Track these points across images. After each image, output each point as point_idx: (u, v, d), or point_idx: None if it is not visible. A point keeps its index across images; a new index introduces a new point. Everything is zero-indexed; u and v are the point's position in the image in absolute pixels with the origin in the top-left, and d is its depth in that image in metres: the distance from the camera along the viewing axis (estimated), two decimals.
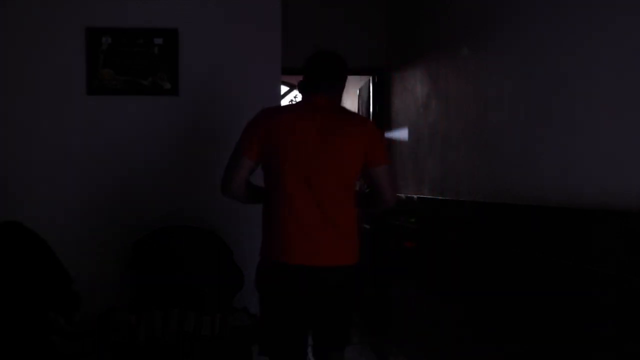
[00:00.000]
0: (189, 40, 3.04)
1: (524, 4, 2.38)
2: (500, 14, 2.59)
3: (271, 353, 2.20)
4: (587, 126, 1.94)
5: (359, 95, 5.03)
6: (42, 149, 2.98)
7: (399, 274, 3.95)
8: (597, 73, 1.89)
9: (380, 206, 2.28)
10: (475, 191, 2.82)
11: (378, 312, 4.25)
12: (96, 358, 2.59)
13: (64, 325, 2.42)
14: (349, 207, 2.17)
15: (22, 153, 2.97)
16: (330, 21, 4.34)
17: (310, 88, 2.22)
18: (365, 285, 4.02)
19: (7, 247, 2.42)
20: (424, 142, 3.60)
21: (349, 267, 2.14)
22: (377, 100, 4.52)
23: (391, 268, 4.05)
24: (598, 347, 1.80)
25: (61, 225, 2.89)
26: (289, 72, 3.94)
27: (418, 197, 3.62)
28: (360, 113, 4.98)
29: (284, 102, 7.38)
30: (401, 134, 4.10)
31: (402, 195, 3.84)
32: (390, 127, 4.37)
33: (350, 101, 5.37)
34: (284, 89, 7.26)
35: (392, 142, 4.29)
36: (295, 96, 7.78)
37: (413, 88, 3.82)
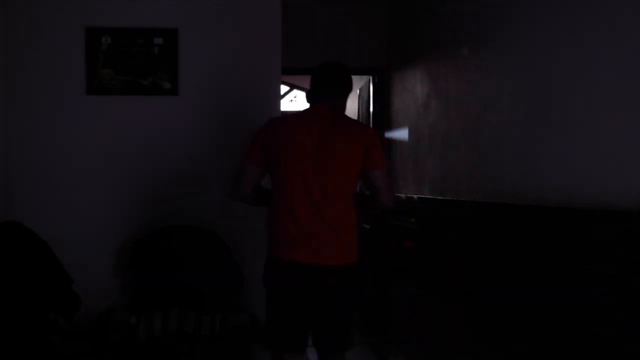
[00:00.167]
0: (189, 40, 3.04)
1: (524, 4, 2.38)
2: (500, 14, 2.59)
3: (272, 346, 2.31)
4: (587, 126, 1.94)
5: (359, 95, 5.03)
6: (42, 149, 2.98)
7: (399, 274, 3.95)
8: (597, 73, 1.88)
9: (378, 207, 2.43)
10: (475, 191, 2.82)
11: (378, 312, 4.25)
12: (96, 358, 2.59)
13: (64, 325, 2.42)
14: (348, 208, 2.28)
15: (22, 153, 2.97)
16: (330, 21, 4.34)
17: (314, 97, 2.38)
18: (366, 285, 4.02)
19: (7, 247, 2.43)
20: (424, 142, 3.60)
21: (347, 266, 2.25)
22: (377, 100, 4.52)
23: (391, 268, 4.05)
24: (598, 347, 1.80)
25: (61, 225, 2.89)
26: (289, 72, 3.95)
27: (418, 197, 3.62)
28: (360, 113, 4.98)
29: (284, 102, 7.38)
30: (401, 134, 4.10)
31: (402, 195, 3.84)
32: (390, 127, 4.37)
33: (350, 101, 5.33)
34: (284, 89, 7.25)
35: (392, 142, 4.29)
36: (295, 96, 7.78)
37: (413, 88, 3.82)
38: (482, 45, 2.78)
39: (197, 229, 2.90)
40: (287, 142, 2.24)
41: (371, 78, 4.59)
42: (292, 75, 6.44)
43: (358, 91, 5.05)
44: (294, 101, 7.87)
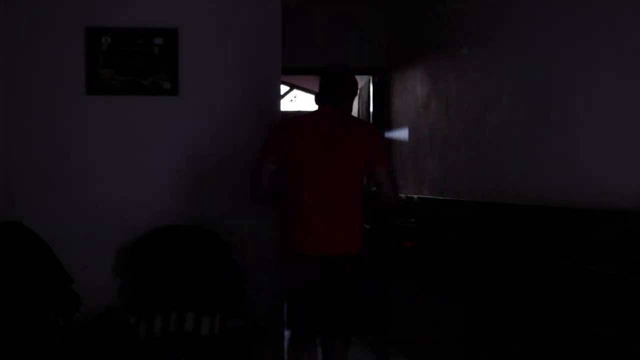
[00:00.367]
0: (189, 40, 3.04)
1: (523, 4, 2.38)
2: (500, 14, 2.59)
3: (293, 328, 2.60)
4: (587, 126, 1.94)
5: (359, 95, 5.03)
6: (42, 149, 2.98)
7: (399, 274, 3.95)
8: (597, 73, 1.89)
9: (382, 203, 2.61)
10: (475, 191, 2.82)
11: (378, 312, 4.25)
12: (96, 358, 2.59)
13: (64, 325, 2.42)
14: (352, 203, 2.47)
15: (21, 153, 2.97)
16: (330, 21, 4.35)
17: (322, 100, 2.59)
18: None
19: (7, 247, 2.43)
20: (424, 142, 3.60)
21: (353, 256, 2.46)
22: (377, 100, 4.52)
23: (391, 268, 4.05)
24: (598, 347, 1.80)
25: (61, 225, 2.89)
26: (289, 72, 3.95)
27: (418, 197, 3.62)
28: (360, 113, 4.98)
29: (284, 102, 7.38)
30: (401, 134, 4.10)
31: (402, 195, 3.84)
32: (390, 127, 4.37)
33: None
34: (284, 89, 7.25)
35: (392, 142, 4.29)
36: (295, 96, 7.78)
37: (413, 88, 3.82)
38: (482, 45, 2.78)
39: (197, 229, 2.90)
40: (297, 142, 2.44)
41: (371, 78, 4.59)
42: (292, 75, 6.45)
43: (358, 91, 5.05)
44: (294, 101, 7.87)
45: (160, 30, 3.02)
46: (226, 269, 2.87)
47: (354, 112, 5.12)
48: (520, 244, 2.28)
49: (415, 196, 3.67)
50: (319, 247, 2.42)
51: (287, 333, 2.70)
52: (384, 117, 4.46)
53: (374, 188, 2.58)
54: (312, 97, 7.61)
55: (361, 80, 4.89)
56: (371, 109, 4.60)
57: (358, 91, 2.62)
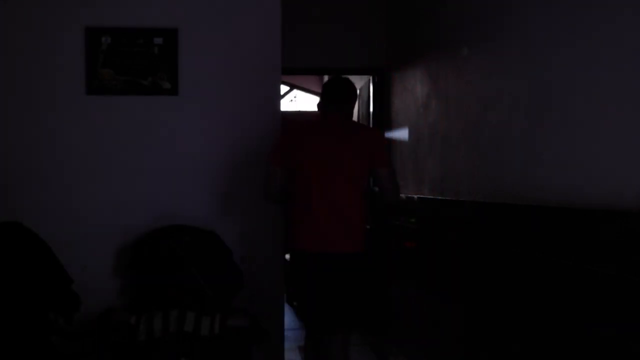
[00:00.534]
0: (189, 40, 3.04)
1: (523, 4, 2.38)
2: (499, 14, 2.59)
3: (303, 319, 2.88)
4: (587, 126, 1.94)
5: (359, 95, 5.03)
6: (42, 149, 2.98)
7: (399, 274, 3.95)
8: (597, 73, 1.89)
9: (385, 202, 2.82)
10: (475, 191, 2.82)
11: (378, 312, 4.25)
12: (96, 358, 2.59)
13: (64, 325, 2.42)
14: (357, 204, 2.62)
15: (21, 153, 2.97)
16: (330, 21, 4.34)
17: (325, 107, 2.75)
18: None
19: (7, 247, 2.42)
20: (424, 142, 3.60)
21: (357, 254, 2.61)
22: (377, 100, 4.52)
23: (391, 268, 4.05)
24: (598, 347, 1.80)
25: (61, 225, 2.89)
26: (289, 72, 3.95)
27: (418, 197, 3.62)
28: (360, 113, 4.98)
29: (284, 102, 7.38)
30: (401, 134, 4.10)
31: (402, 196, 3.84)
32: (390, 127, 4.37)
33: None
34: (284, 89, 7.25)
35: (392, 142, 4.29)
36: (295, 96, 7.78)
37: (413, 88, 3.82)
38: (482, 45, 2.78)
39: (197, 229, 2.90)
40: (304, 147, 2.61)
41: (371, 78, 4.59)
42: (292, 75, 6.45)
43: (358, 91, 5.05)
44: (294, 101, 7.87)
45: (160, 30, 3.02)
46: (226, 269, 2.87)
47: (355, 112, 5.13)
48: (520, 244, 2.28)
49: (415, 196, 3.67)
50: (326, 245, 2.56)
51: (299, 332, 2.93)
52: (384, 117, 4.46)
53: (377, 188, 2.74)
54: (311, 97, 7.63)
55: (361, 80, 4.90)
56: (371, 109, 4.60)
57: (357, 98, 2.83)
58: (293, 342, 3.98)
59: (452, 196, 3.10)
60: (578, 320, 1.90)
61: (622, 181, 1.76)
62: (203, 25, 3.07)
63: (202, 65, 3.06)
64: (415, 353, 3.55)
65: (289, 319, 4.28)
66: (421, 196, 3.58)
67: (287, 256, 3.50)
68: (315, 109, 2.91)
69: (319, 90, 7.60)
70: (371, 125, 4.54)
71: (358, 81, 5.07)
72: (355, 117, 4.96)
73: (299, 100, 7.85)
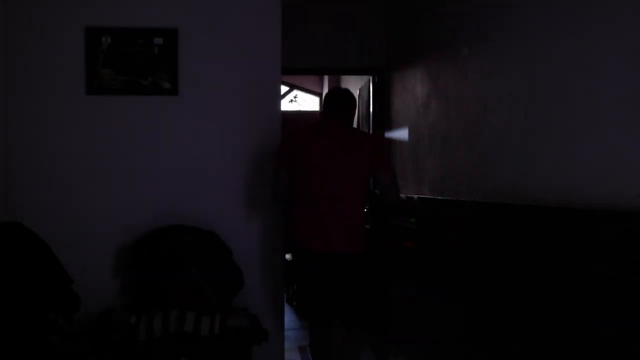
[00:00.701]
0: (189, 40, 3.04)
1: (523, 4, 2.38)
2: (500, 14, 2.59)
3: (306, 317, 3.04)
4: (587, 126, 1.94)
5: (359, 95, 5.03)
6: (42, 149, 2.98)
7: (399, 274, 3.95)
8: (597, 73, 1.88)
9: (385, 203, 2.96)
10: (475, 191, 2.82)
11: (378, 312, 4.25)
12: (96, 358, 2.59)
13: (64, 325, 2.42)
14: (358, 205, 2.74)
15: (21, 153, 2.97)
16: (330, 21, 4.34)
17: (327, 116, 2.88)
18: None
19: (7, 247, 2.42)
20: (424, 142, 3.60)
21: (357, 254, 2.71)
22: (377, 100, 4.52)
23: (391, 268, 4.05)
24: (598, 347, 1.80)
25: (61, 225, 2.89)
26: (289, 72, 3.95)
27: (418, 197, 3.62)
28: (360, 113, 4.98)
29: (284, 102, 7.38)
30: (401, 134, 4.10)
31: (402, 196, 3.84)
32: (390, 127, 4.37)
33: None
34: (284, 89, 7.25)
35: (392, 142, 4.29)
36: (296, 96, 7.78)
37: (413, 88, 3.82)
38: (482, 45, 2.78)
39: (197, 229, 2.90)
40: (307, 152, 2.72)
41: (371, 78, 4.59)
42: (292, 75, 6.45)
43: (358, 91, 5.05)
44: (294, 101, 7.87)
45: (160, 30, 3.02)
46: (226, 269, 2.87)
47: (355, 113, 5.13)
48: (520, 244, 2.28)
49: (415, 196, 3.67)
50: (329, 245, 2.67)
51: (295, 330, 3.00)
52: (384, 117, 4.45)
53: (377, 190, 2.91)
54: (312, 97, 7.63)
55: (361, 80, 4.89)
56: (371, 109, 4.60)
57: (356, 107, 2.99)
58: (293, 342, 3.98)
59: (452, 196, 3.10)
60: (578, 320, 1.90)
61: (622, 181, 1.76)
62: (203, 25, 3.07)
63: (202, 65, 3.06)
64: (415, 353, 3.55)
65: (289, 319, 4.28)
66: (421, 196, 3.58)
67: (288, 256, 3.51)
68: (315, 109, 3.03)
69: (319, 90, 7.63)
70: (371, 125, 4.54)
71: (358, 81, 5.08)
72: (355, 117, 4.96)
73: (299, 100, 7.85)
